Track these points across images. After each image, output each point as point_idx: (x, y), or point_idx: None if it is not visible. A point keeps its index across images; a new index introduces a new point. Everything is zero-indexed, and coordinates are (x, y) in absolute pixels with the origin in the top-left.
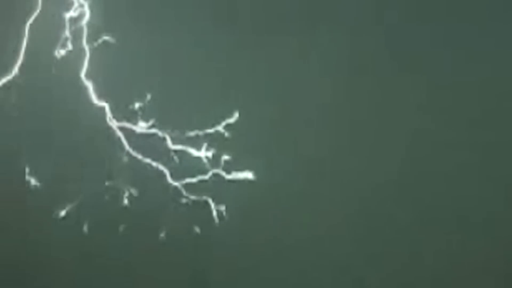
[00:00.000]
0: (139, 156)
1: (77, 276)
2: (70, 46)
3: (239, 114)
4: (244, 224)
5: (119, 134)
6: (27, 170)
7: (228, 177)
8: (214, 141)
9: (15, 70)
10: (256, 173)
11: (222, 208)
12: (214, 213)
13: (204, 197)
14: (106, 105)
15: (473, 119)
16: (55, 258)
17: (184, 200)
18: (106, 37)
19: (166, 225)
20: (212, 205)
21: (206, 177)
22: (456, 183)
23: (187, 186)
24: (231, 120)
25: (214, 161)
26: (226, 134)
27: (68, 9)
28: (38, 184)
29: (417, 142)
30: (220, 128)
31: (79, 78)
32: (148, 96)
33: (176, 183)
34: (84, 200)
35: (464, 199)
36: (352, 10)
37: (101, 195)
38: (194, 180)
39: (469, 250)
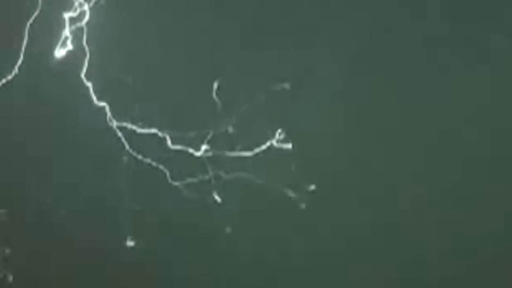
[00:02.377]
0: (139, 156)
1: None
2: (70, 46)
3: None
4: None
5: (119, 134)
6: (27, 169)
7: (228, 177)
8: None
9: (15, 70)
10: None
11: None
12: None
13: (205, 197)
14: (106, 105)
15: None
16: (56, 257)
17: (184, 200)
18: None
19: (167, 226)
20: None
21: (206, 177)
22: None
23: (187, 186)
24: (234, 120)
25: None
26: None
27: (68, 9)
28: (37, 183)
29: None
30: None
31: (79, 78)
32: (149, 96)
33: (176, 183)
34: (83, 201)
35: None
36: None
37: (101, 196)
38: (194, 180)
39: None
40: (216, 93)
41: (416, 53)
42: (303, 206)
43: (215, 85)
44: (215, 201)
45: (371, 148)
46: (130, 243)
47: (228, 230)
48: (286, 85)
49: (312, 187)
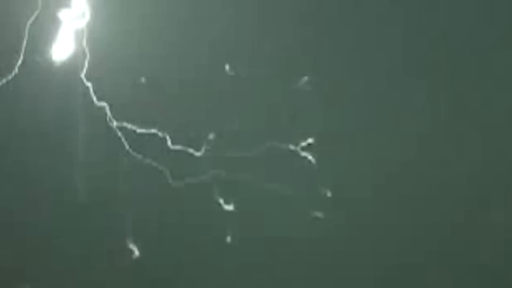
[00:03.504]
0: (139, 156)
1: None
2: (70, 46)
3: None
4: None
5: (119, 134)
6: (26, 169)
7: (228, 177)
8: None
9: (15, 70)
10: None
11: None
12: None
13: (205, 198)
14: (106, 105)
15: None
16: (55, 258)
17: (184, 201)
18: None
19: (166, 226)
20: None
21: (206, 177)
22: None
23: (187, 186)
24: (236, 124)
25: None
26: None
27: (68, 9)
28: (36, 183)
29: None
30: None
31: (79, 78)
32: (148, 96)
33: (176, 183)
34: (83, 200)
35: None
36: None
37: (100, 196)
38: (194, 180)
39: None
40: (217, 93)
41: (424, 54)
42: (303, 206)
43: (216, 85)
44: (216, 201)
45: (378, 148)
46: (130, 244)
47: (228, 231)
48: (289, 84)
49: (314, 187)
